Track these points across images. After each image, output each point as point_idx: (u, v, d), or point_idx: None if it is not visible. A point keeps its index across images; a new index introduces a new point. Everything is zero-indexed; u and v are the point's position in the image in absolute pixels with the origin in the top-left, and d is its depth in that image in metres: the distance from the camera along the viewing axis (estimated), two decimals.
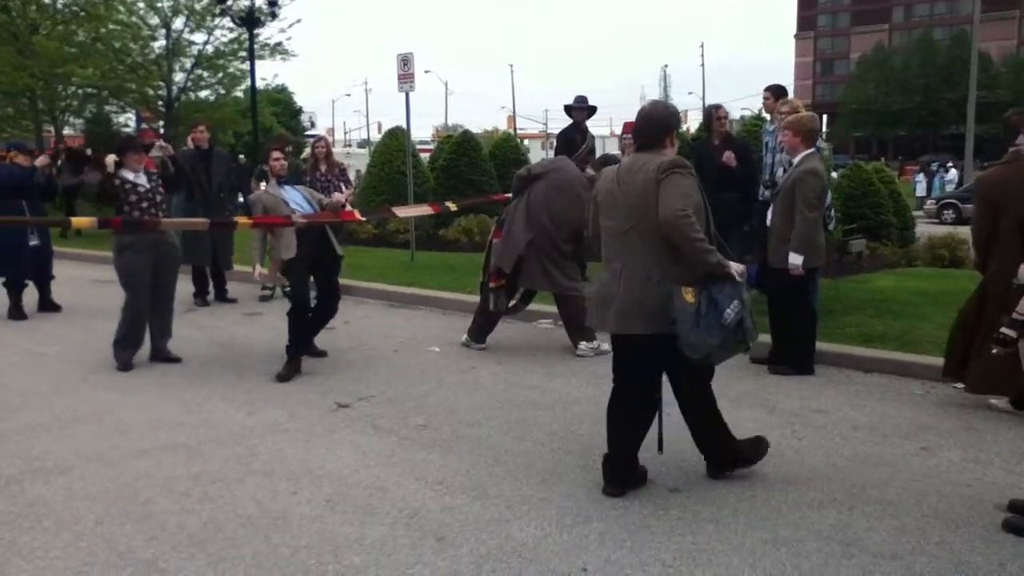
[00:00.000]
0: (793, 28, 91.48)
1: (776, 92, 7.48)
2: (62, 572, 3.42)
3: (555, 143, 10.93)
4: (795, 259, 5.94)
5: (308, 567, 3.44)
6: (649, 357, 4.05)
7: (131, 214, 6.39)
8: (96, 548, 3.63)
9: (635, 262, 3.97)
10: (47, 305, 8.91)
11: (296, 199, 6.49)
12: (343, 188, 9.16)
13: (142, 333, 6.65)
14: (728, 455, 4.29)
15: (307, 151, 11.56)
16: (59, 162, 9.38)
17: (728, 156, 7.70)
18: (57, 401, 5.68)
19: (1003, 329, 3.72)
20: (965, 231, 12.88)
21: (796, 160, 6.18)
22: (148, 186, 6.56)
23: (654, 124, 4.09)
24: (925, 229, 13.85)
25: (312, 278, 6.52)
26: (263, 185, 6.82)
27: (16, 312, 8.58)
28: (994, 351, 3.78)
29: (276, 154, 6.51)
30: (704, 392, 4.22)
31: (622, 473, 4.17)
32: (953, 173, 33.03)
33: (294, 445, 4.88)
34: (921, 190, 31.91)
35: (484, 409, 5.51)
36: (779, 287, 6.19)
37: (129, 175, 6.51)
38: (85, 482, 4.36)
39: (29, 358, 7.02)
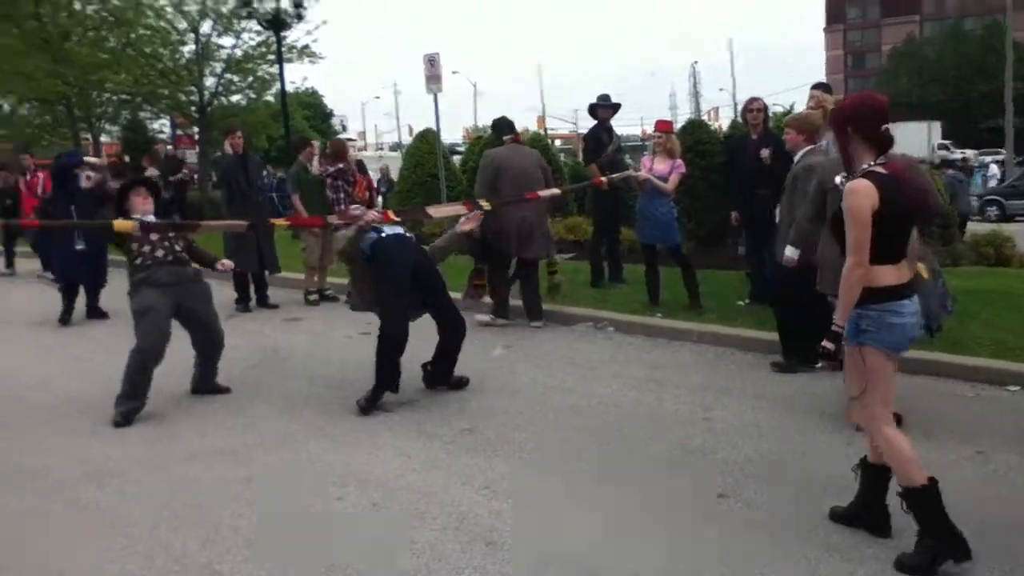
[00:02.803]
0: (822, 22, 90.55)
1: (824, 90, 7.40)
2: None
3: (583, 144, 10.91)
4: (790, 251, 5.91)
5: (361, 570, 3.47)
6: None
7: (147, 254, 5.69)
8: (153, 552, 3.68)
9: None
10: (95, 312, 9.05)
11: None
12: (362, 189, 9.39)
13: (146, 387, 5.56)
14: None
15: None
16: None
17: (765, 154, 7.63)
18: (107, 407, 5.76)
19: (824, 343, 3.46)
20: (1010, 228, 12.68)
21: (796, 157, 6.19)
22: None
23: None
24: (968, 227, 13.65)
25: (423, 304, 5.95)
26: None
27: (66, 317, 8.79)
28: (818, 365, 3.63)
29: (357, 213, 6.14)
30: None
31: None
32: (994, 168, 32.40)
33: (339, 450, 4.92)
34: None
35: (526, 413, 5.51)
36: (783, 280, 6.15)
37: (138, 208, 5.95)
38: (138, 486, 4.43)
39: (78, 364, 7.14)
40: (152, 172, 9.43)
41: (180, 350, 5.81)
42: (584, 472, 4.50)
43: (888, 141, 3.42)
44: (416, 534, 3.80)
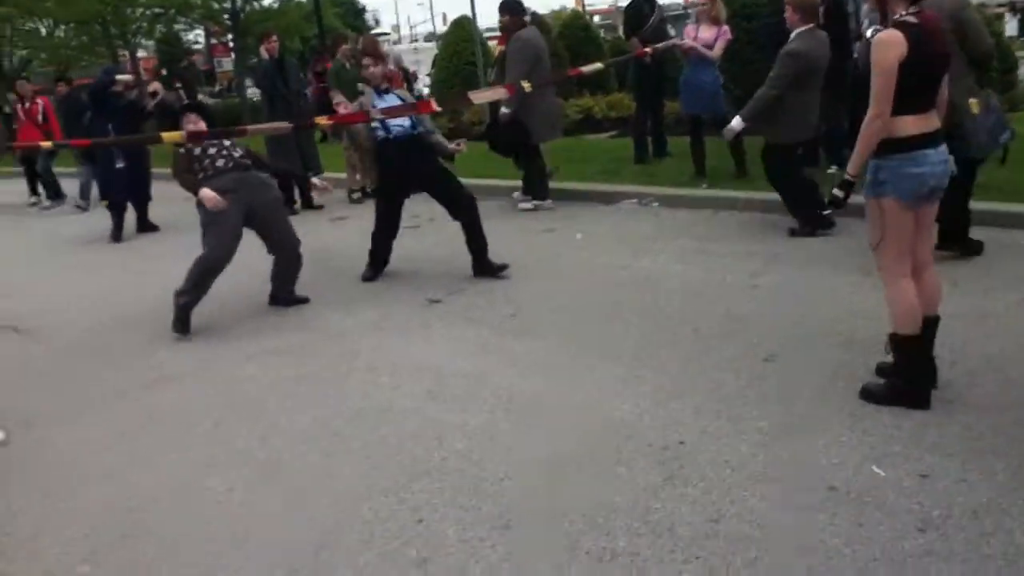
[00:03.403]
0: None
1: None
2: (186, 474, 3.65)
3: (624, 16, 10.53)
4: (736, 123, 6.35)
5: (416, 455, 3.59)
6: None
7: (208, 166, 5.60)
8: (215, 449, 3.86)
9: None
10: (145, 226, 9.27)
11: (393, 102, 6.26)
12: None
13: (207, 288, 5.53)
14: None
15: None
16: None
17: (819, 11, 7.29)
18: (164, 315, 5.95)
19: (834, 190, 3.53)
20: None
21: (792, 36, 6.09)
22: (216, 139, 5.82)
23: None
24: None
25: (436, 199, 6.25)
26: (362, 97, 6.43)
27: (116, 234, 9.00)
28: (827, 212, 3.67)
29: (367, 60, 6.31)
30: None
31: None
32: None
33: (392, 341, 5.03)
34: (1012, 29, 29.55)
35: (572, 294, 5.54)
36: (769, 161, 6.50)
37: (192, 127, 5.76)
38: (198, 388, 4.61)
39: (135, 276, 7.36)
40: (124, 78, 9.33)
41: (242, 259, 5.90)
42: (631, 346, 4.53)
43: None
44: (469, 417, 3.90)
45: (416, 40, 52.10)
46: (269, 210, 5.74)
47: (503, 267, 6.08)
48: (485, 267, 6.06)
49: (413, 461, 3.54)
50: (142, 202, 9.24)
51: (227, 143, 5.77)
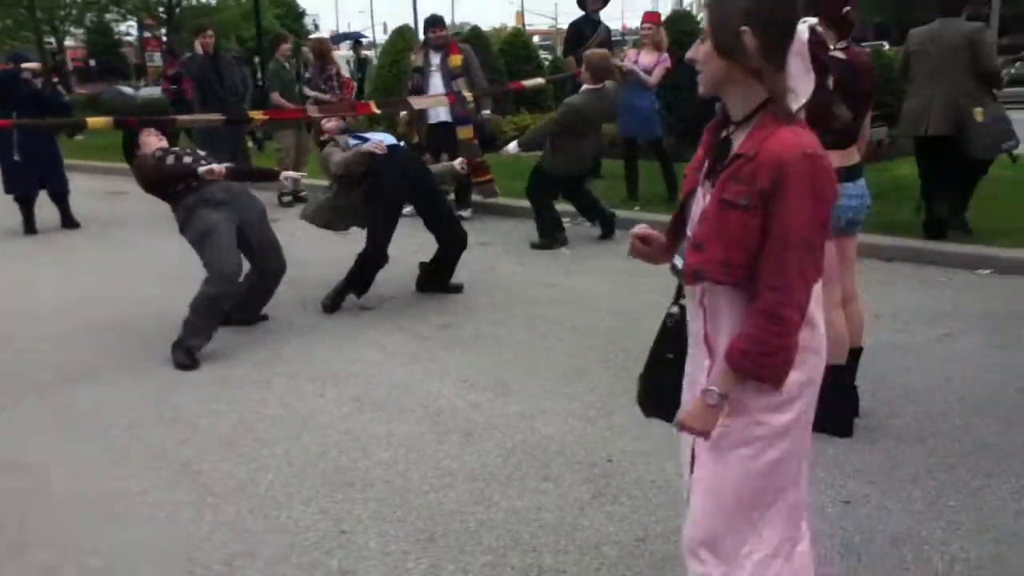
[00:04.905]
0: None
1: None
2: (100, 476, 3.50)
3: (565, 35, 10.63)
4: (512, 147, 7.27)
5: (339, 464, 3.51)
6: None
7: (190, 183, 4.93)
8: (131, 451, 3.71)
9: None
10: (67, 221, 8.86)
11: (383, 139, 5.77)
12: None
13: (217, 323, 4.87)
14: None
15: (307, 51, 11.40)
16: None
17: None
18: (81, 312, 5.73)
19: None
20: None
21: (580, 90, 7.04)
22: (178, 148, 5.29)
23: None
24: None
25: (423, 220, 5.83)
26: (337, 146, 5.74)
27: (27, 227, 8.63)
28: None
29: (329, 125, 5.95)
30: None
31: None
32: None
33: (319, 347, 4.93)
34: None
35: (505, 308, 5.52)
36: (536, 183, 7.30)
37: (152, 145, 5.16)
38: (114, 388, 4.43)
39: (51, 270, 7.07)
40: (32, 66, 8.94)
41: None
42: (560, 363, 4.53)
43: (850, 25, 3.38)
44: (395, 427, 3.84)
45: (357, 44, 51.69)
46: (259, 226, 5.18)
47: (459, 287, 5.92)
48: (441, 286, 5.89)
49: (336, 470, 3.46)
50: (60, 196, 8.83)
51: (202, 152, 5.24)
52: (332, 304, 5.57)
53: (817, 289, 1.84)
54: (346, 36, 13.29)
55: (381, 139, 5.69)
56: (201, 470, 3.51)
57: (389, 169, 5.50)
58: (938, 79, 6.00)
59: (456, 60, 8.16)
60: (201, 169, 4.88)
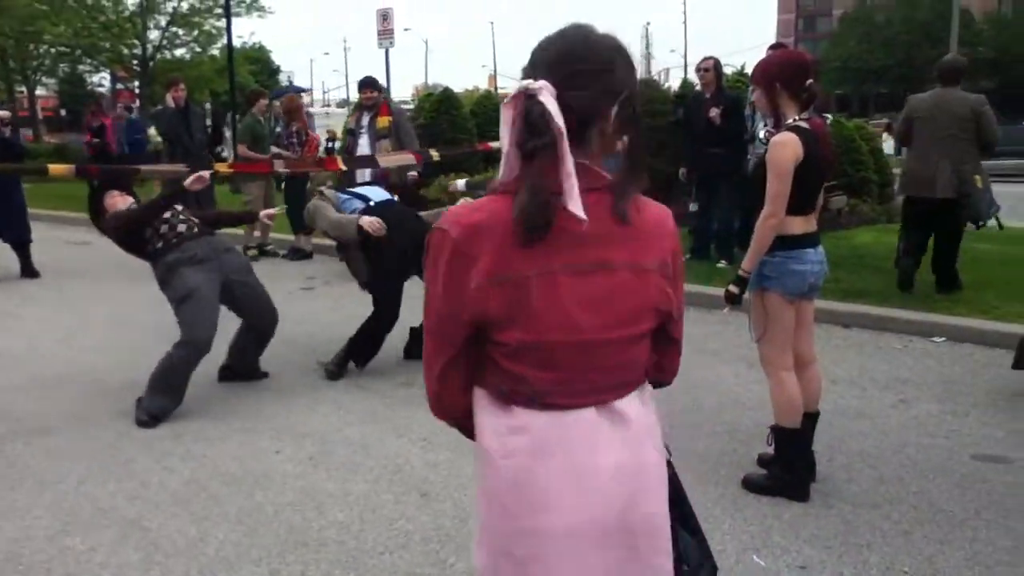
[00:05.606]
0: None
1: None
2: (45, 531, 3.41)
3: None
4: (460, 183, 7.57)
5: (292, 524, 3.45)
6: None
7: (168, 233, 4.85)
8: (79, 507, 3.62)
9: None
10: (27, 270, 8.73)
11: (373, 194, 5.61)
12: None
13: (185, 386, 4.72)
14: None
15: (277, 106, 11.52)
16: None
17: (713, 113, 7.69)
18: (34, 363, 5.63)
19: (729, 287, 3.59)
20: None
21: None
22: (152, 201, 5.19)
23: None
24: None
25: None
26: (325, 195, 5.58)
27: None
28: (725, 310, 3.93)
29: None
30: None
31: None
32: None
33: (276, 404, 4.87)
34: (889, 148, 31.62)
35: None
36: None
37: (119, 207, 5.11)
38: (66, 441, 4.34)
39: (8, 320, 6.95)
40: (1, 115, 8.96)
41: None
42: None
43: (811, 97, 3.48)
44: (351, 486, 3.79)
45: (328, 105, 52.22)
46: (244, 279, 5.05)
47: None
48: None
49: (290, 530, 3.40)
50: (22, 245, 8.72)
51: (178, 206, 5.06)
52: (336, 370, 5.33)
53: None
54: (286, 91, 13.35)
55: (373, 197, 5.48)
56: (151, 528, 3.43)
57: (390, 238, 5.20)
58: (944, 146, 6.30)
59: (383, 121, 8.30)
60: (187, 181, 5.00)
